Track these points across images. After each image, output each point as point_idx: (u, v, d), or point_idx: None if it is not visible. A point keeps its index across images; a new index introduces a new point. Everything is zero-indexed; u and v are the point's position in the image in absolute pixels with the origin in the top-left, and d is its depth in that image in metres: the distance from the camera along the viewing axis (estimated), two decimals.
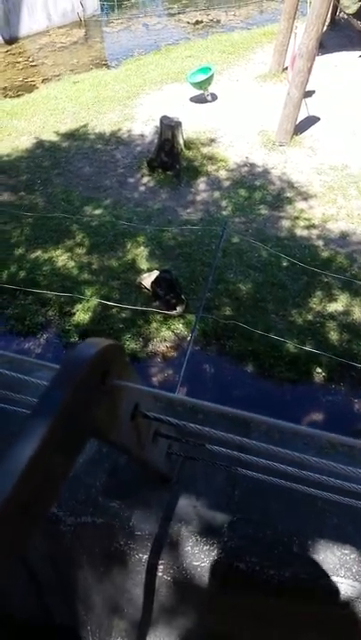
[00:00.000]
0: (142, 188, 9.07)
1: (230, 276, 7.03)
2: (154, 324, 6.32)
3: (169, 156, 9.09)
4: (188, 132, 9.96)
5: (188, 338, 6.11)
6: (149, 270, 7.04)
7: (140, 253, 7.45)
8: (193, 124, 10.42)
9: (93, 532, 1.68)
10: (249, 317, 6.36)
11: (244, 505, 1.68)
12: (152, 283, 6.55)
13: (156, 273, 6.77)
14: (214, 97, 11.49)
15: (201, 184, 9.11)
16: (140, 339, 6.19)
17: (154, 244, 7.60)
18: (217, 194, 8.84)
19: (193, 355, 5.93)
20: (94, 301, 6.49)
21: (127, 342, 6.09)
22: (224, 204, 8.59)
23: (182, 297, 6.52)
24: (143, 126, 10.76)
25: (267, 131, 10.25)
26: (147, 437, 1.37)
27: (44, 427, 0.87)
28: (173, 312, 6.41)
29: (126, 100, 11.66)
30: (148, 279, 6.72)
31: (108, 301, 6.45)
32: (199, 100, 11.47)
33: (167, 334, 6.24)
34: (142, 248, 7.55)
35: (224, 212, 8.39)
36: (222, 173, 9.33)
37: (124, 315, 6.40)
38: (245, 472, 1.52)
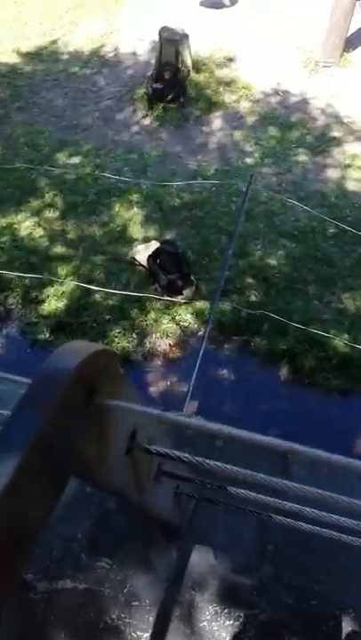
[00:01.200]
0: (135, 128, 9.01)
1: (257, 247, 7.01)
2: (152, 314, 6.34)
3: (171, 82, 9.04)
4: (197, 48, 9.85)
5: (201, 333, 6.11)
6: (146, 241, 7.03)
7: (132, 218, 7.44)
8: (204, 37, 10.31)
9: (74, 601, 1.69)
10: (282, 304, 6.35)
11: (281, 564, 1.69)
12: (149, 258, 6.55)
13: (154, 244, 6.75)
14: (234, 0, 11.39)
15: (216, 121, 9.03)
16: (134, 334, 6.20)
17: (151, 205, 7.58)
18: (238, 134, 8.77)
19: (207, 356, 5.80)
20: (71, 284, 6.51)
21: (116, 339, 6.12)
22: (248, 148, 8.54)
23: (191, 277, 6.51)
24: (136, 41, 10.66)
25: (306, 47, 10.17)
26: (147, 476, 1.39)
27: (10, 465, 0.88)
28: (179, 298, 6.42)
29: (112, 5, 11.57)
30: (143, 253, 6.71)
31: (90, 284, 6.46)
32: (213, 3, 11.35)
33: (170, 328, 6.25)
34: (136, 210, 7.54)
35: (248, 160, 8.33)
36: (245, 105, 9.27)
37: (111, 302, 6.41)
38: (281, 520, 1.51)
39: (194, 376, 4.93)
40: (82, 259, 6.90)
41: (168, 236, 7.09)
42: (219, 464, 1.27)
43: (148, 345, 6.15)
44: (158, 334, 6.21)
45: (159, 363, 6.06)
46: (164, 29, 9.13)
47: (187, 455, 1.29)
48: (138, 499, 1.36)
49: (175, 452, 1.30)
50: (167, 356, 6.10)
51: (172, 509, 1.63)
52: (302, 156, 8.38)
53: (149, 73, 9.53)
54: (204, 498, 1.68)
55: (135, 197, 7.70)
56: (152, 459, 1.37)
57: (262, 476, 1.24)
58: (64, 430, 0.99)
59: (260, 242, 7.08)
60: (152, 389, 5.81)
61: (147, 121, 9.12)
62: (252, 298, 6.45)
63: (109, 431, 1.14)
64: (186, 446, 2.11)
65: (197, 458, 1.28)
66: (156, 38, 9.42)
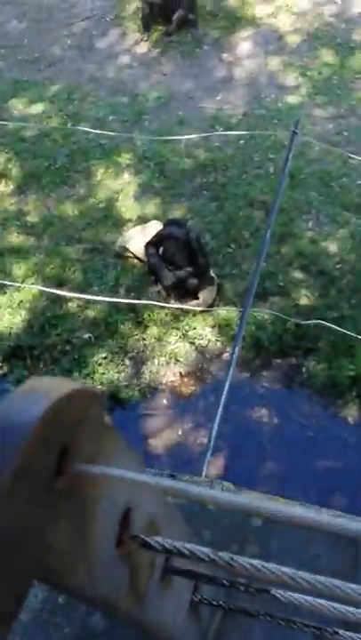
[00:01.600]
0: (125, 58, 9.07)
1: (308, 226, 6.99)
2: (153, 330, 6.32)
3: None
4: None
5: (226, 355, 6.07)
6: (142, 222, 7.03)
7: (121, 189, 7.47)
8: None
9: None
10: (347, 309, 6.31)
11: None
12: (147, 246, 6.52)
13: (155, 226, 6.73)
14: None
15: (243, 44, 9.10)
16: (127, 360, 6.19)
17: (150, 169, 7.62)
18: (276, 62, 8.81)
19: (236, 389, 5.73)
20: (32, 289, 6.52)
21: (100, 368, 6.09)
22: (291, 81, 8.56)
23: (210, 273, 6.48)
24: None
25: None
26: (149, 577, 1.41)
27: None
28: (193, 304, 6.39)
29: None
30: (138, 240, 6.71)
31: (61, 288, 6.46)
32: None
33: (181, 349, 6.23)
34: (127, 177, 7.56)
35: (291, 99, 8.35)
36: (285, 20, 9.33)
37: (92, 313, 6.41)
38: (353, 638, 1.54)
39: (217, 420, 4.91)
40: (48, 251, 6.90)
41: (175, 215, 7.04)
42: (255, 563, 1.26)
43: (147, 375, 6.10)
44: (163, 359, 6.18)
45: (165, 401, 6.01)
46: None
47: (206, 551, 1.30)
48: (135, 611, 1.37)
49: (189, 544, 1.31)
50: (177, 390, 6.06)
51: (187, 625, 1.67)
52: None
53: None
54: (235, 607, 1.71)
55: (126, 159, 7.72)
56: (155, 552, 1.37)
57: (321, 578, 1.21)
58: (23, 517, 1.01)
59: (313, 218, 7.06)
60: (154, 442, 5.75)
61: (142, 48, 9.18)
62: (303, 301, 6.42)
63: (92, 513, 1.17)
64: (206, 528, 2.12)
65: (222, 553, 1.29)
66: None
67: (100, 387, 5.95)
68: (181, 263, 6.38)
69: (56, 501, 1.07)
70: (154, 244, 6.50)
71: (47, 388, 1.06)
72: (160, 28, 9.32)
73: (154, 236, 6.52)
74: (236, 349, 5.29)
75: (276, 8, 9.48)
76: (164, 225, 6.61)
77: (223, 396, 4.95)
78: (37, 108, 8.44)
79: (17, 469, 0.98)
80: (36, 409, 1.01)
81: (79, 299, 6.39)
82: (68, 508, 1.11)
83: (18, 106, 8.48)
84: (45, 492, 1.05)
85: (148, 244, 6.52)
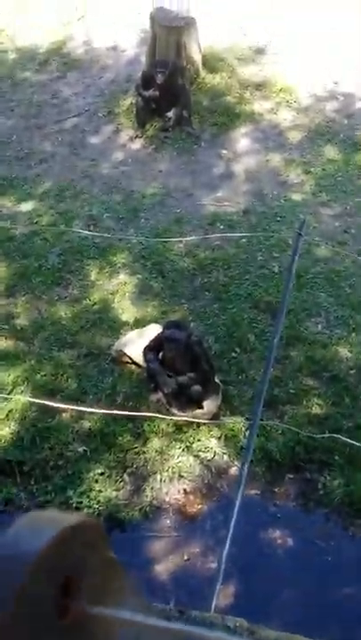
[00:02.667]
0: (119, 155, 9.19)
1: (317, 328, 7.02)
2: (154, 443, 6.23)
3: (171, 87, 9.30)
4: (209, 37, 10.20)
5: (234, 469, 5.98)
6: (139, 325, 7.04)
7: (117, 290, 7.50)
8: (219, 20, 10.72)
9: None
10: None
11: None
12: (146, 351, 6.47)
13: (153, 329, 6.72)
14: None
15: (242, 140, 9.27)
16: (125, 476, 6.07)
17: (147, 270, 7.67)
18: (277, 158, 8.96)
19: (247, 509, 5.58)
20: (21, 399, 6.46)
21: (96, 486, 5.97)
22: (293, 178, 8.69)
23: (215, 379, 6.42)
24: (116, 31, 11.10)
25: None
26: None
27: None
28: (196, 413, 6.33)
29: None
30: (136, 344, 6.69)
31: (53, 397, 6.41)
32: None
33: (185, 463, 6.13)
34: (123, 278, 7.61)
35: (295, 197, 8.46)
36: (285, 116, 9.53)
37: (87, 424, 6.33)
38: None
39: (227, 545, 4.78)
40: (39, 357, 6.86)
41: (175, 317, 7.03)
42: None
43: (148, 493, 5.98)
44: (165, 474, 6.07)
45: (168, 522, 5.88)
46: (159, 12, 9.49)
47: None
48: None
49: None
50: (181, 510, 5.96)
51: None
52: None
53: (138, 75, 9.78)
54: None
55: (122, 259, 7.77)
56: None
57: None
58: None
59: (323, 320, 7.10)
60: (157, 568, 5.60)
61: (136, 145, 9.31)
62: (315, 409, 6.38)
63: None
64: None
65: None
66: (148, 25, 9.74)
67: (96, 506, 5.84)
68: (183, 369, 6.32)
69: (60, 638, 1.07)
70: (153, 348, 6.45)
71: (46, 523, 1.09)
72: (155, 124, 9.48)
73: (152, 340, 6.48)
74: (246, 464, 5.20)
75: (275, 104, 9.71)
76: (164, 327, 6.57)
77: (233, 518, 4.84)
78: (27, 207, 8.52)
79: (14, 611, 0.98)
80: (35, 545, 1.01)
81: (72, 409, 6.34)
82: None
83: (6, 204, 8.56)
84: (49, 629, 1.04)
85: (146, 349, 6.48)
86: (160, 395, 6.42)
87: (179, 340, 6.30)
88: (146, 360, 6.46)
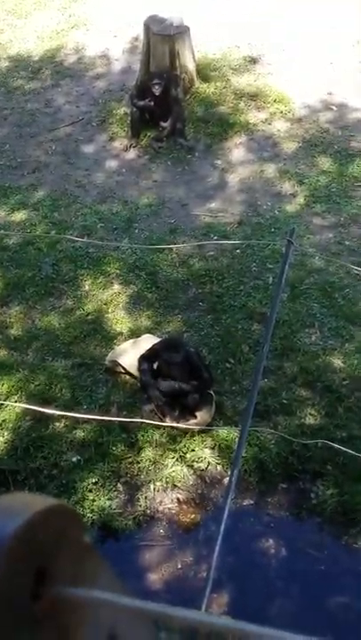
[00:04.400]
0: (112, 164, 9.25)
1: (311, 339, 7.05)
2: (148, 452, 6.27)
3: (165, 96, 9.34)
4: (203, 46, 10.28)
5: (227, 479, 5.95)
6: (133, 335, 7.08)
7: (111, 300, 7.53)
8: (213, 29, 10.78)
9: None
10: (356, 429, 6.31)
11: None
12: (140, 361, 6.53)
13: (148, 340, 6.78)
14: None
15: (236, 150, 9.32)
16: (119, 485, 6.11)
17: (142, 280, 7.70)
18: (271, 169, 9.01)
19: (238, 516, 5.74)
20: (15, 408, 6.49)
21: (90, 495, 6.00)
22: (288, 188, 8.74)
23: (209, 390, 6.49)
24: (109, 39, 11.16)
25: None
26: None
27: None
28: (190, 423, 6.38)
29: None
30: (130, 354, 6.73)
31: (47, 406, 6.40)
32: None
33: (179, 473, 6.16)
34: (117, 288, 7.63)
35: (289, 208, 8.51)
36: (280, 127, 9.57)
37: (81, 433, 6.37)
38: None
39: (216, 553, 4.78)
40: (33, 367, 6.89)
41: (169, 327, 7.10)
42: None
43: (142, 502, 6.02)
44: (159, 484, 6.11)
45: (162, 531, 5.91)
46: (152, 20, 9.55)
47: None
48: None
49: None
50: (175, 519, 5.98)
51: None
52: None
53: (131, 84, 9.90)
54: None
55: (115, 269, 7.80)
56: None
57: None
58: None
59: (316, 331, 7.11)
60: (151, 577, 5.64)
61: (130, 154, 9.37)
62: (309, 420, 6.40)
63: (74, 639, 1.11)
64: None
65: None
66: (141, 33, 9.82)
67: (90, 515, 5.87)
68: (178, 379, 6.38)
69: (34, 628, 1.03)
70: (148, 358, 6.49)
71: (19, 505, 1.04)
72: (149, 134, 9.51)
73: (148, 350, 6.53)
74: (235, 473, 5.23)
75: (270, 114, 9.72)
76: (160, 339, 6.64)
77: (222, 526, 4.86)
78: (20, 216, 8.52)
79: None
80: (7, 526, 0.98)
81: (66, 417, 6.34)
82: (47, 635, 1.06)
83: (0, 213, 8.54)
84: (21, 617, 1.01)
85: (141, 358, 6.52)
86: (153, 405, 6.46)
87: (172, 350, 6.37)
88: (140, 369, 6.51)
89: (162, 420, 6.40)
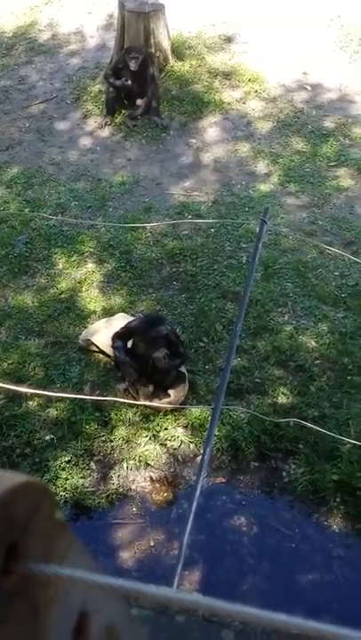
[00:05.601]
0: (87, 142, 9.26)
1: (284, 318, 7.08)
2: (121, 431, 6.28)
3: (140, 74, 9.29)
4: (178, 24, 10.27)
5: (199, 458, 6.00)
6: (107, 314, 7.09)
7: (85, 278, 7.54)
8: (188, 7, 10.73)
9: None
10: (328, 408, 6.36)
11: None
12: (114, 339, 6.51)
13: (122, 318, 6.78)
14: None
15: (210, 130, 9.34)
16: (92, 464, 6.13)
17: (115, 258, 7.71)
18: (245, 148, 9.04)
19: (210, 496, 5.80)
20: None
21: (63, 473, 6.01)
22: (262, 168, 8.76)
23: (181, 368, 6.52)
24: (83, 16, 11.11)
25: (343, 19, 10.64)
26: None
27: None
28: (163, 402, 6.38)
29: None
30: (104, 333, 6.73)
31: (20, 384, 6.36)
32: None
33: (152, 451, 6.19)
34: (90, 267, 7.64)
35: (262, 187, 8.54)
36: (254, 106, 9.60)
37: (54, 412, 6.38)
38: None
39: (187, 531, 4.79)
40: (6, 345, 6.88)
41: (143, 306, 7.11)
42: None
43: (115, 480, 6.03)
44: (132, 462, 6.12)
45: (135, 509, 5.92)
46: None
47: None
48: None
49: None
50: (148, 497, 6.00)
51: None
52: (346, 180, 8.60)
53: (106, 62, 9.87)
54: None
55: (89, 247, 7.80)
56: None
57: None
58: None
59: (289, 311, 7.15)
60: (123, 555, 5.64)
61: (105, 132, 9.37)
62: (281, 399, 6.44)
63: (45, 617, 1.10)
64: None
65: None
66: (115, 10, 9.79)
67: (63, 493, 5.89)
68: (150, 357, 6.33)
69: (3, 603, 1.03)
70: (121, 335, 6.47)
71: None
72: (123, 111, 9.49)
73: (121, 329, 6.50)
74: (208, 451, 5.26)
75: (244, 93, 9.73)
76: (134, 317, 6.64)
77: (194, 504, 4.88)
78: None
79: None
80: None
81: (40, 396, 6.33)
82: (17, 611, 1.06)
83: None
84: None
85: (115, 336, 6.48)
86: (126, 383, 6.47)
87: (145, 328, 6.33)
88: (114, 347, 6.49)
89: (135, 399, 6.41)
